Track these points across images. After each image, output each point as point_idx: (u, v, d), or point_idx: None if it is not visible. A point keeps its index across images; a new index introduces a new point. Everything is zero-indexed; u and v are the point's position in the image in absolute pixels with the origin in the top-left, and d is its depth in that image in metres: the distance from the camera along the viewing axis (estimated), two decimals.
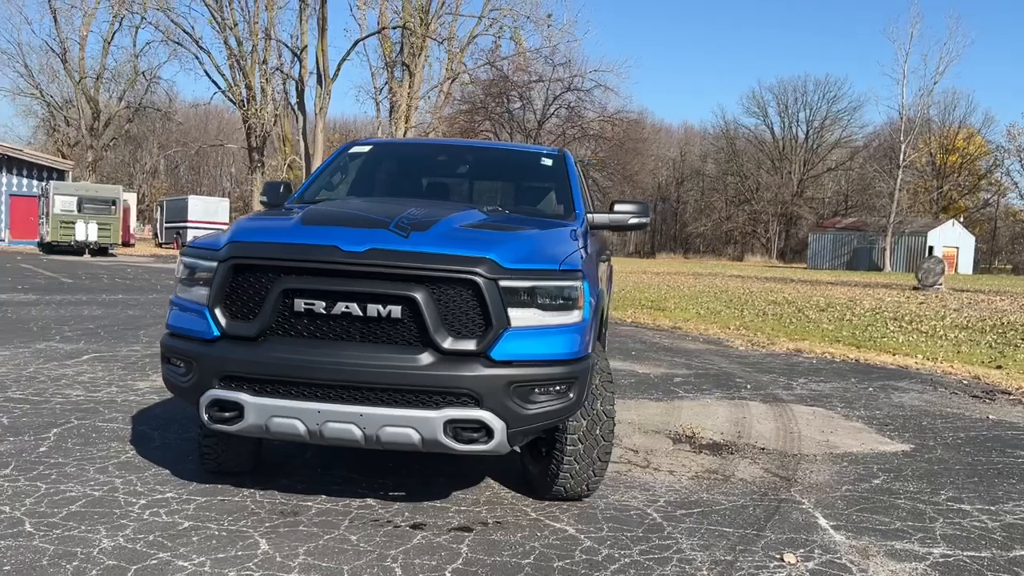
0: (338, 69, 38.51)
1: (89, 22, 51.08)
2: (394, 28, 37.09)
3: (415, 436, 3.55)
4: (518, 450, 4.36)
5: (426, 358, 3.53)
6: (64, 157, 47.90)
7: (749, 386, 8.10)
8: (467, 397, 3.54)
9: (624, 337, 11.87)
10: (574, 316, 3.81)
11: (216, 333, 3.68)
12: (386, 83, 39.13)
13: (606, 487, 4.54)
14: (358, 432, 3.56)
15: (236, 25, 40.99)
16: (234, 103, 43.65)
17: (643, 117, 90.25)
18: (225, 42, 41.08)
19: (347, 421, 3.54)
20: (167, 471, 4.41)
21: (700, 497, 4.46)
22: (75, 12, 50.11)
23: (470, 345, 3.56)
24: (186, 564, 3.24)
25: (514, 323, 3.62)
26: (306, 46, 38.66)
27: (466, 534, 3.73)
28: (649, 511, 4.19)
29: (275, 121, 42.75)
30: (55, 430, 5.10)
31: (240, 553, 3.37)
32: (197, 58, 43.34)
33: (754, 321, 14.64)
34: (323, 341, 3.60)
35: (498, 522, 3.92)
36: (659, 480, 4.75)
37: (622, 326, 13.51)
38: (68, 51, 51.10)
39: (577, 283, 3.82)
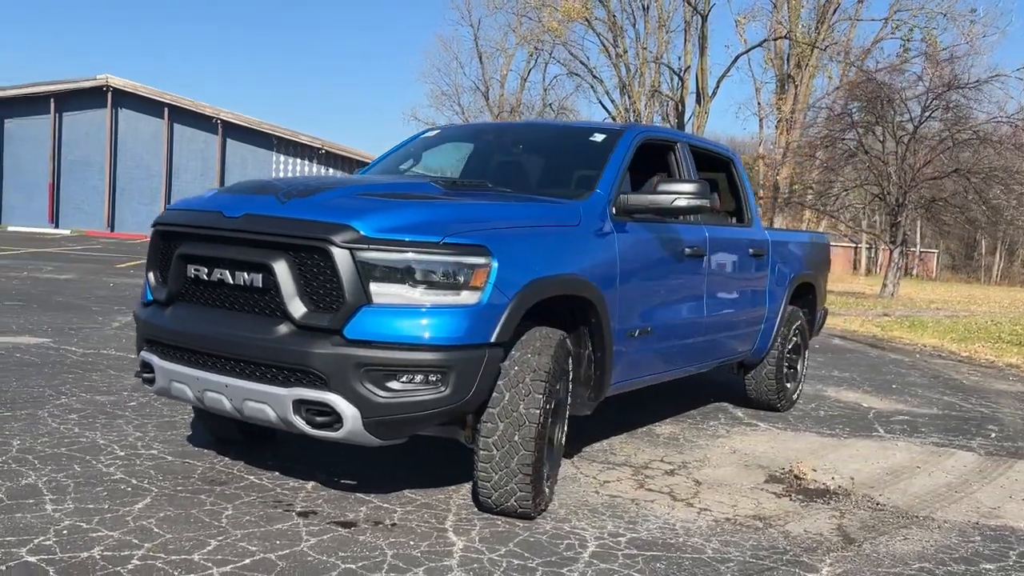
0: (717, 86, 37.89)
1: (509, 62, 57.23)
2: (775, 39, 35.44)
3: (271, 413, 3.36)
4: None
5: (281, 331, 3.32)
6: None
7: (994, 435, 6.23)
8: (315, 376, 3.25)
9: (920, 369, 9.89)
10: (464, 297, 3.30)
11: (150, 297, 3.86)
12: (772, 96, 37.55)
13: (588, 512, 3.84)
14: (228, 403, 3.47)
15: (626, 52, 42.59)
16: None
17: None
18: (615, 69, 42.89)
19: (217, 391, 3.48)
20: (187, 433, 4.70)
21: (687, 541, 3.55)
22: (497, 54, 56.61)
23: (323, 321, 3.26)
24: (51, 508, 3.41)
25: (376, 299, 3.24)
26: (688, 67, 38.72)
27: (340, 529, 3.41)
28: (589, 544, 3.44)
29: None
30: None
31: (108, 506, 3.47)
32: (592, 87, 45.84)
33: None
34: (206, 308, 3.58)
35: (395, 524, 3.52)
36: (670, 516, 3.87)
37: (944, 359, 11.26)
38: (490, 89, 57.89)
39: (473, 260, 3.31)
